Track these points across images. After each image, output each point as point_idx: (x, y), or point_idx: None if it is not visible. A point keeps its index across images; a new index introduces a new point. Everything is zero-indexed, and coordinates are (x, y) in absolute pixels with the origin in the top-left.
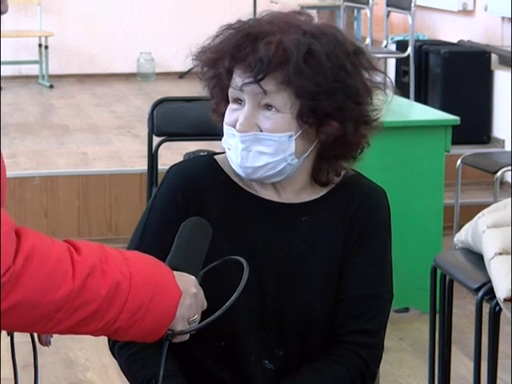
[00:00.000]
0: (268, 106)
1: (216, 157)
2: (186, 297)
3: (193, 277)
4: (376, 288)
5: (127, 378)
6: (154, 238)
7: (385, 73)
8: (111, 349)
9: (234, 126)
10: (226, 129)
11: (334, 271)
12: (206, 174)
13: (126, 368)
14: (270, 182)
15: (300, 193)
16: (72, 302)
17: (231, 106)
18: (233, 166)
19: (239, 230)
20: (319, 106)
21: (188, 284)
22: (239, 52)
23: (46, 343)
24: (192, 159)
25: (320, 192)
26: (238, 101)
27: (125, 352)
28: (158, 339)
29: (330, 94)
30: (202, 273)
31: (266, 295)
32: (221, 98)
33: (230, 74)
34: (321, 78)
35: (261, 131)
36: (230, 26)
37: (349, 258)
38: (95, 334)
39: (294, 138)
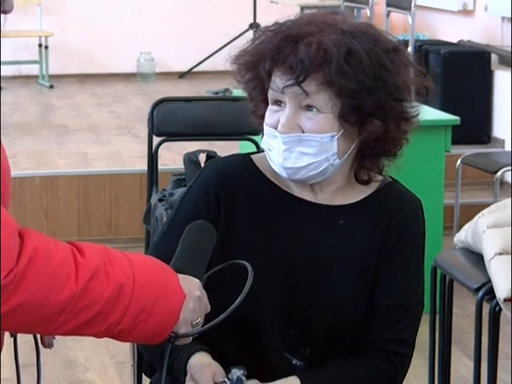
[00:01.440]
0: (309, 107)
1: (253, 156)
2: (190, 300)
3: (197, 280)
4: (411, 299)
5: (146, 353)
6: (182, 227)
7: (423, 70)
8: None
9: (275, 128)
10: (268, 130)
11: (366, 277)
12: (242, 173)
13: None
14: (311, 182)
15: (336, 194)
16: (75, 304)
17: (271, 107)
18: (274, 167)
19: (273, 229)
20: (361, 104)
21: (192, 287)
22: (279, 54)
23: (49, 345)
24: (229, 157)
25: (357, 196)
26: (278, 102)
27: None
28: (161, 342)
29: (372, 92)
30: (206, 276)
31: (297, 295)
32: (260, 99)
33: (269, 76)
34: (362, 77)
35: (302, 132)
36: (267, 29)
37: (384, 267)
38: (98, 335)
39: (336, 137)
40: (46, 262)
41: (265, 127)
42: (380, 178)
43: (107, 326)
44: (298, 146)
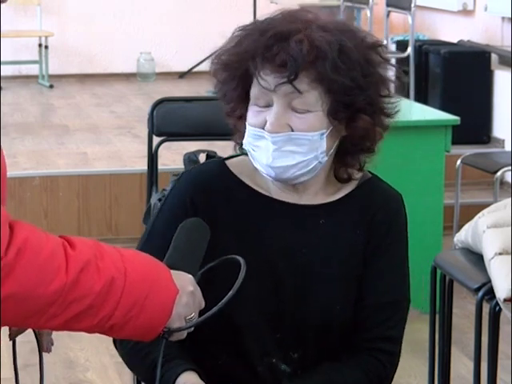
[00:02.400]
0: (298, 106)
1: (227, 162)
2: (183, 295)
3: (190, 275)
4: (398, 295)
5: (131, 368)
6: (159, 239)
7: (395, 65)
8: (114, 340)
9: (262, 127)
10: (253, 130)
11: (353, 274)
12: (217, 179)
13: (131, 357)
14: (297, 181)
15: (317, 194)
16: (65, 297)
17: (255, 107)
18: (260, 168)
19: (255, 234)
20: (353, 101)
21: (185, 282)
22: (269, 52)
23: (47, 349)
24: (203, 165)
25: (337, 194)
26: (264, 102)
27: (128, 342)
28: (154, 337)
29: (363, 89)
30: (199, 273)
31: (283, 298)
32: (240, 100)
33: (256, 76)
34: (354, 73)
35: (292, 131)
36: (245, 28)
37: (371, 265)
38: (90, 330)
39: (325, 135)
40: (36, 253)
41: (248, 128)
42: (359, 174)
43: (99, 320)
44: (288, 145)
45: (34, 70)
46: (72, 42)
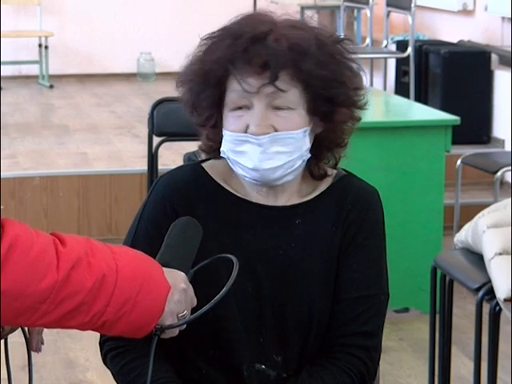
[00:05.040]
0: (280, 105)
1: (203, 164)
2: (175, 292)
3: (182, 273)
4: (373, 289)
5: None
6: (144, 246)
7: (357, 61)
8: (104, 359)
9: (243, 132)
10: (234, 136)
11: (331, 272)
12: (194, 183)
13: (121, 377)
14: (281, 182)
15: (293, 195)
16: (56, 294)
17: (233, 113)
18: (242, 173)
19: (232, 237)
20: (333, 94)
21: (177, 279)
22: (248, 54)
23: (37, 349)
24: (178, 168)
25: (313, 193)
26: (243, 106)
27: (119, 361)
28: (146, 334)
29: (342, 82)
30: (192, 271)
31: (264, 300)
32: (215, 108)
33: (237, 79)
34: (334, 66)
35: (275, 131)
36: (211, 35)
37: (345, 259)
38: (83, 327)
39: (308, 132)
40: (26, 250)
41: (227, 134)
42: (334, 172)
43: (91, 317)
44: (274, 145)
45: (34, 70)
46: (72, 42)
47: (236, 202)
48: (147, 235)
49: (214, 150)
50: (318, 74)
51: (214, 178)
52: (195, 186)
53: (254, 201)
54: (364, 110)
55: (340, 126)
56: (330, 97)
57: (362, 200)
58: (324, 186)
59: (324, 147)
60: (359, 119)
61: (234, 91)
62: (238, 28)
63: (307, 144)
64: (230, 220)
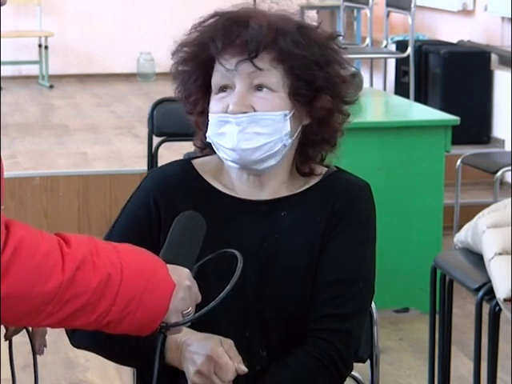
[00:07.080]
0: (260, 86)
1: (193, 161)
2: (180, 289)
3: (186, 269)
4: (350, 274)
5: (121, 361)
6: (119, 239)
7: (348, 58)
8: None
9: (224, 112)
10: (216, 117)
11: (314, 263)
12: (182, 179)
13: (121, 349)
14: (263, 166)
15: (281, 189)
16: (62, 295)
17: (217, 95)
18: (224, 156)
19: (217, 234)
20: (314, 77)
21: (181, 277)
22: (229, 33)
23: (40, 351)
24: (169, 164)
25: (300, 187)
26: (225, 88)
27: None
28: (151, 332)
29: (322, 66)
30: (196, 266)
31: (248, 294)
32: (201, 92)
33: (217, 58)
34: (315, 49)
35: (254, 111)
36: (202, 22)
37: (324, 245)
38: (88, 327)
39: (289, 117)
40: (32, 252)
41: (211, 117)
42: (324, 169)
43: (96, 317)
44: (252, 126)
45: (34, 70)
46: (72, 42)
47: (222, 198)
48: (124, 226)
49: (206, 147)
50: (297, 54)
51: (201, 174)
52: (181, 183)
53: (241, 196)
54: (352, 105)
55: (326, 119)
56: (309, 80)
57: (349, 191)
58: (313, 181)
59: (308, 143)
60: (348, 115)
61: (217, 71)
62: (222, 11)
63: (287, 128)
64: (214, 216)
